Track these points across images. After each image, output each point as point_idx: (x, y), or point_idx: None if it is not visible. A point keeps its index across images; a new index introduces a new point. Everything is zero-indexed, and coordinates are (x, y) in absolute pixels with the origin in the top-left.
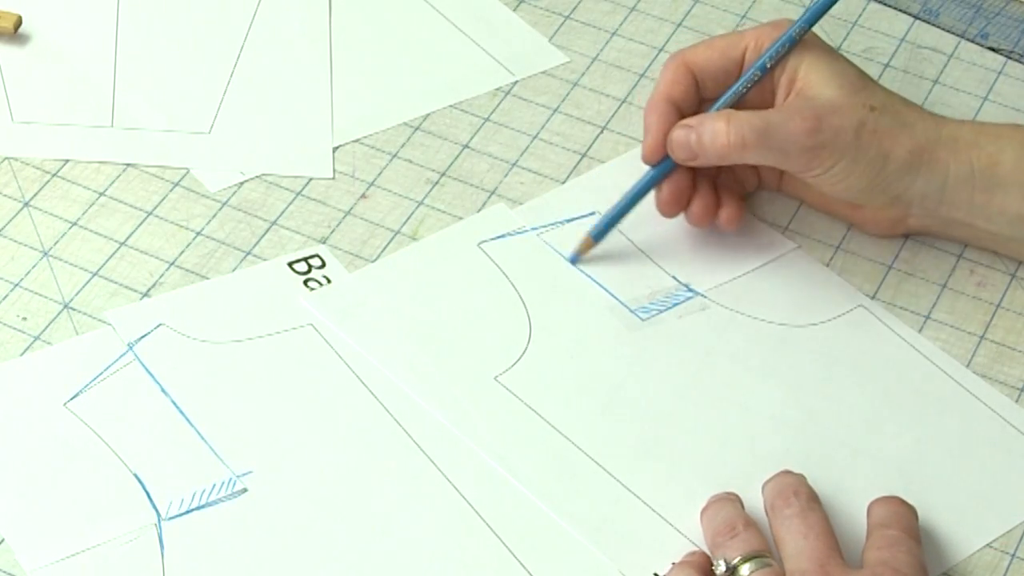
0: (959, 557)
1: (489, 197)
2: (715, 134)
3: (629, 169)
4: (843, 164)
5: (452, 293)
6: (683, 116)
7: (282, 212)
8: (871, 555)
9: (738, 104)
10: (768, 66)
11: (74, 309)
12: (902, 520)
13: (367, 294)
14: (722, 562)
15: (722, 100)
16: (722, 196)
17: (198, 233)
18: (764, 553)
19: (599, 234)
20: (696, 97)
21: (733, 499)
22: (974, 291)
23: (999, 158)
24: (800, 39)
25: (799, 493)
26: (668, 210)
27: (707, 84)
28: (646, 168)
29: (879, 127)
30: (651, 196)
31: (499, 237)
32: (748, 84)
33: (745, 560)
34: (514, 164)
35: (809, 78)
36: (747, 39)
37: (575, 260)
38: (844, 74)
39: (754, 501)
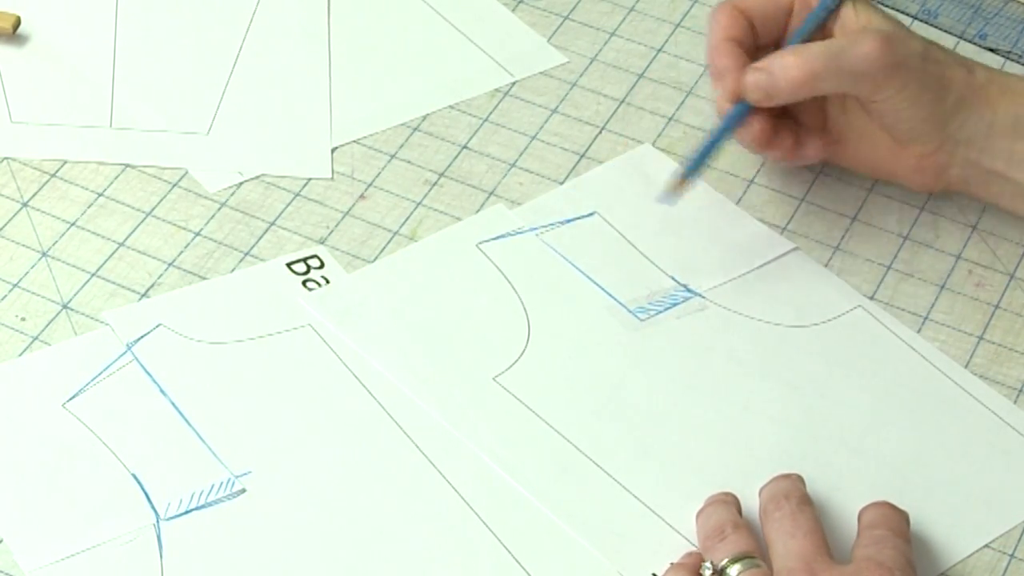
0: (957, 557)
1: (488, 198)
2: (785, 68)
3: (627, 169)
4: (911, 89)
5: (451, 294)
6: (747, 53)
7: (281, 213)
8: (857, 552)
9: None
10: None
11: (73, 309)
12: (890, 521)
13: (366, 295)
14: (709, 565)
15: (796, 36)
16: (800, 132)
17: (197, 234)
18: (752, 554)
19: (691, 171)
20: (753, 40)
21: (728, 501)
22: (972, 292)
23: None
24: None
25: (790, 496)
26: (758, 146)
27: (759, 31)
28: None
29: (940, 58)
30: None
31: (498, 238)
32: (823, 15)
33: (733, 561)
34: (513, 165)
35: (864, 18)
36: None
37: (665, 199)
38: (893, 20)
39: (752, 501)
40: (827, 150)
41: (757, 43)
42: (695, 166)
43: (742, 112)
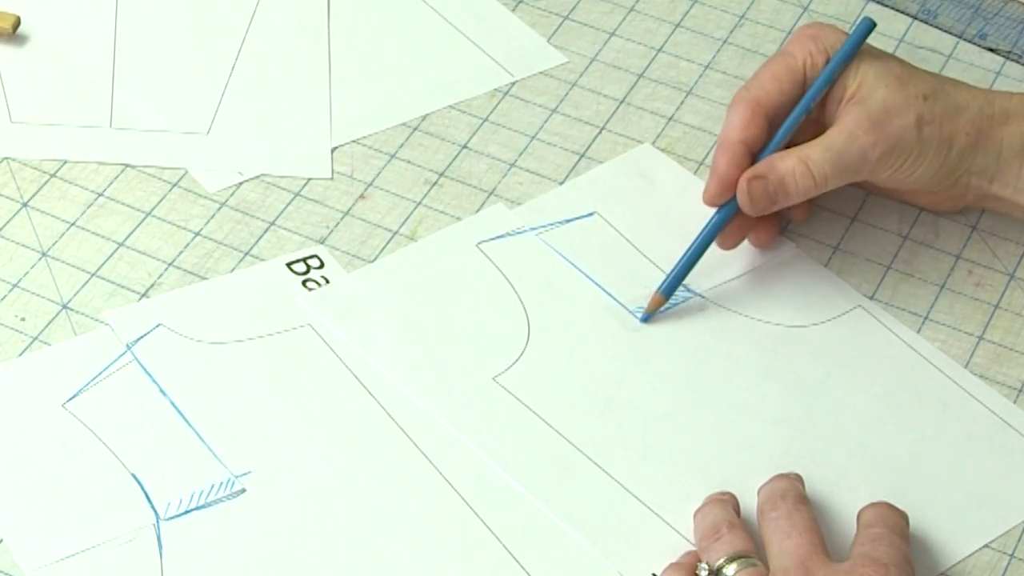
0: (957, 557)
1: (488, 197)
2: (798, 179)
3: (627, 169)
4: (911, 159)
5: (450, 293)
6: (753, 157)
7: (280, 212)
8: (854, 551)
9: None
10: (811, 107)
11: (72, 310)
12: (887, 520)
13: (365, 295)
14: (704, 566)
15: (779, 137)
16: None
17: (196, 234)
18: (749, 554)
19: (669, 289)
20: (766, 137)
21: (724, 500)
22: (972, 291)
23: None
24: (839, 75)
25: (787, 496)
26: (729, 245)
27: (779, 116)
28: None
29: (936, 116)
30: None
31: (498, 237)
32: (802, 115)
33: (730, 561)
34: (512, 164)
35: (859, 82)
36: (798, 58)
37: (647, 319)
38: (890, 69)
39: (752, 501)
40: (809, 210)
41: (773, 126)
42: (673, 286)
43: (721, 223)
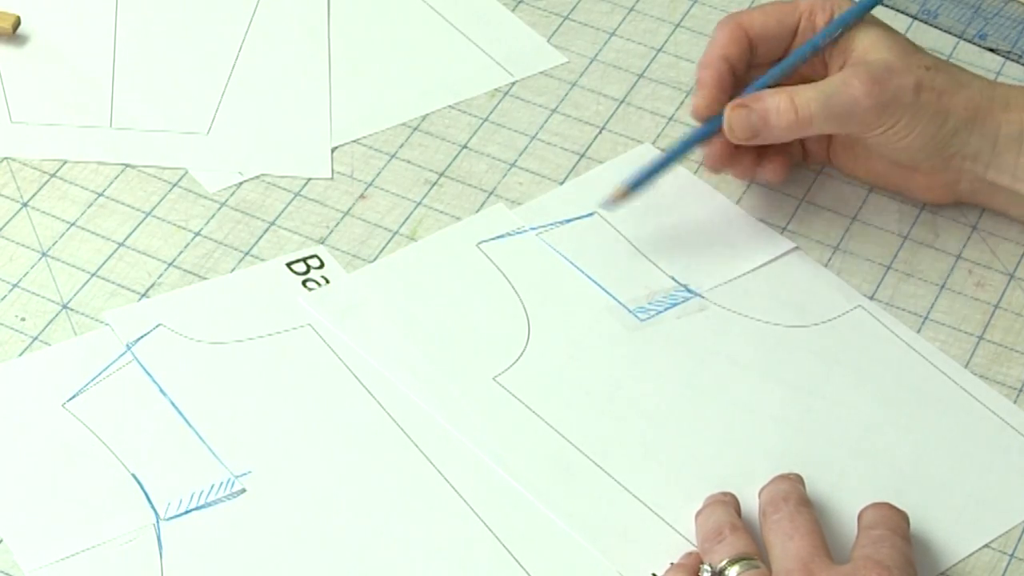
0: (957, 557)
1: (488, 197)
2: (781, 112)
3: (628, 169)
4: (905, 121)
5: (451, 293)
6: (736, 77)
7: (280, 212)
8: (856, 553)
9: (790, 76)
10: (820, 45)
11: (73, 310)
12: (888, 521)
13: (366, 294)
14: (707, 567)
15: (770, 75)
16: (767, 152)
17: (196, 234)
18: (751, 555)
19: (635, 184)
20: (748, 60)
21: (726, 501)
22: (972, 291)
23: None
24: (853, 24)
25: (788, 498)
26: (716, 165)
27: (759, 49)
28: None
29: (936, 85)
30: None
31: (498, 237)
32: (799, 61)
33: (732, 563)
34: (513, 164)
35: (863, 45)
36: (801, 8)
37: (607, 206)
38: (895, 40)
39: (752, 501)
40: (785, 173)
41: (754, 62)
42: (643, 181)
43: (706, 134)
